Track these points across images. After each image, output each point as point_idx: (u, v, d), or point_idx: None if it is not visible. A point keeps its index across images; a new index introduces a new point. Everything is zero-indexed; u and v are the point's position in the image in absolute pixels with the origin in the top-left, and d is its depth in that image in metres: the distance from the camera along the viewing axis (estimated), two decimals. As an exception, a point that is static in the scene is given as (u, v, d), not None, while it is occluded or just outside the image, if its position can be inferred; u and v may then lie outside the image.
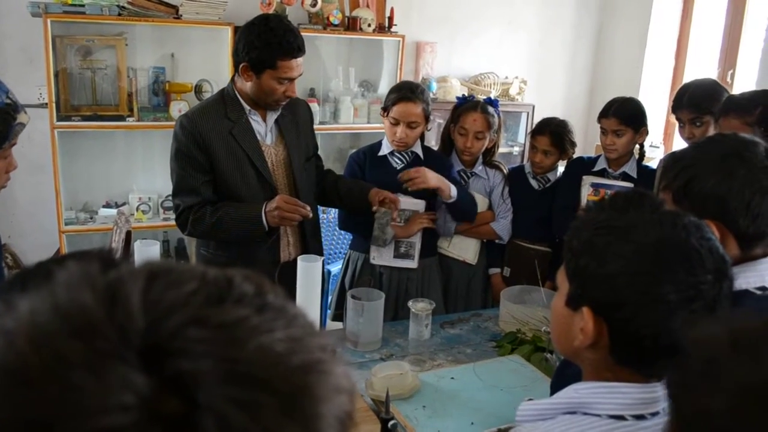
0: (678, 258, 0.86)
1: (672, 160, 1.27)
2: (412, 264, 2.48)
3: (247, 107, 2.14)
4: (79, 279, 0.36)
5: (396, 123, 2.39)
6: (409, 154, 2.50)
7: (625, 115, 2.49)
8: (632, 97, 2.63)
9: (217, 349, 0.34)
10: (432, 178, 2.34)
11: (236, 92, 2.13)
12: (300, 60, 2.05)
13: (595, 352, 0.92)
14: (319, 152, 2.46)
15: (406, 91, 2.39)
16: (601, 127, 2.56)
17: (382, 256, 2.47)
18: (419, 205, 2.45)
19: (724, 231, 1.15)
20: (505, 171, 2.73)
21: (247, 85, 2.09)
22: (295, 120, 2.27)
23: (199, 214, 2.10)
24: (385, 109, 2.43)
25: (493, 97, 4.12)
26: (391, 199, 2.27)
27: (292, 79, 2.06)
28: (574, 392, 0.93)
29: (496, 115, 2.60)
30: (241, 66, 2.05)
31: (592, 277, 0.90)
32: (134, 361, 0.33)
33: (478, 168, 2.67)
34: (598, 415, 0.88)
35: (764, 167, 1.17)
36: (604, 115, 2.54)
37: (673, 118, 4.27)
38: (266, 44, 1.99)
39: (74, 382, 0.31)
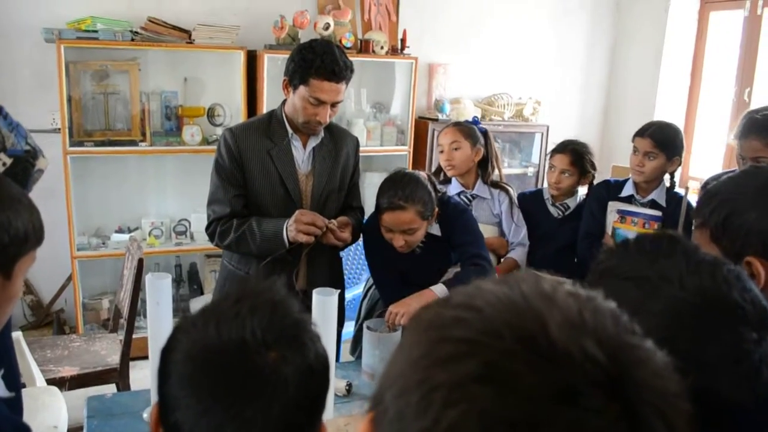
0: (721, 316, 0.77)
1: (707, 195, 1.19)
2: None
3: (290, 131, 2.16)
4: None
5: (389, 231, 2.11)
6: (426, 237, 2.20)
7: (661, 139, 2.42)
8: (672, 123, 2.54)
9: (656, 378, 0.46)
10: (411, 304, 2.00)
11: (284, 115, 2.17)
12: (336, 86, 2.03)
13: None
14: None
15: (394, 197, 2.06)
16: (634, 146, 2.48)
17: None
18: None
19: None
20: (512, 193, 2.61)
21: (287, 103, 2.14)
22: (335, 151, 2.23)
23: (226, 226, 2.14)
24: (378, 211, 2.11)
25: (506, 118, 4.15)
26: None
27: (323, 102, 2.05)
28: None
29: (474, 127, 2.53)
30: (282, 81, 2.12)
31: None
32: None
33: (479, 188, 2.56)
34: None
35: None
36: (639, 134, 2.47)
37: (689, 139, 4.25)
38: (302, 59, 2.03)
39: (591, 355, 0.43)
